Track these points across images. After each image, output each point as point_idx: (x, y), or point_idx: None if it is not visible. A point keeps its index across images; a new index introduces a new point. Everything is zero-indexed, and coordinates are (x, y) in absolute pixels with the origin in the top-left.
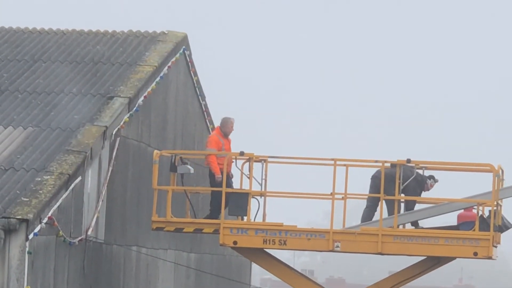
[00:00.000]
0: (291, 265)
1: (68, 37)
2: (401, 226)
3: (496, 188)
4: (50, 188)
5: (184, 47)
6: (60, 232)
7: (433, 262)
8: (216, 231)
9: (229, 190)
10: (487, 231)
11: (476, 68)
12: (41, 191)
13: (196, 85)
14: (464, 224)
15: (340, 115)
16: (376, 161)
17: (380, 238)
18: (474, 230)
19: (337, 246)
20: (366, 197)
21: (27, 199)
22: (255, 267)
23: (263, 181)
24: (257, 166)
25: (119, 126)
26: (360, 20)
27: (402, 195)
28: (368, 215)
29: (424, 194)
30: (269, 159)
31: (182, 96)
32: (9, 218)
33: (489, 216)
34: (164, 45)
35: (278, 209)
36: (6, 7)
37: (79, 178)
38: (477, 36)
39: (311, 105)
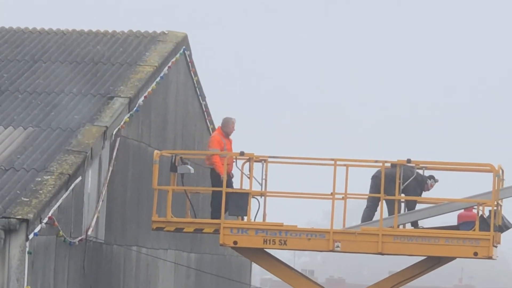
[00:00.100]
0: (291, 265)
1: (68, 37)
2: (401, 226)
3: (496, 188)
4: (50, 188)
5: (184, 47)
6: (60, 232)
7: (433, 262)
8: (216, 231)
9: (229, 190)
10: (487, 231)
11: (476, 68)
12: (41, 191)
13: (196, 85)
14: (464, 224)
15: (340, 115)
16: (376, 161)
17: (380, 238)
18: (474, 230)
19: (337, 246)
20: (366, 197)
21: (27, 199)
22: (255, 267)
23: (263, 181)
24: (257, 166)
25: (119, 126)
26: (360, 20)
27: (402, 195)
28: (368, 215)
29: (424, 194)
30: (269, 159)
31: (182, 96)
32: (9, 218)
33: (489, 216)
34: (164, 45)
35: (278, 209)
36: (6, 7)
37: (79, 178)
38: (477, 36)
39: (311, 105)
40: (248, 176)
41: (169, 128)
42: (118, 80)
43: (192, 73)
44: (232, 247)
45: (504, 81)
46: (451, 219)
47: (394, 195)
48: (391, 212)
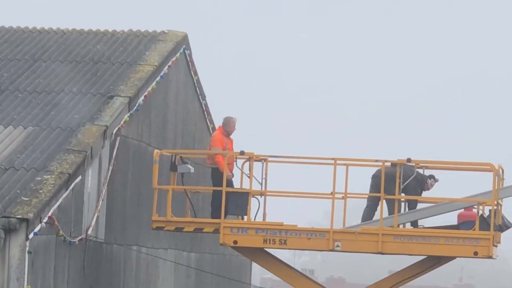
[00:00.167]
0: (291, 265)
1: (68, 36)
2: (401, 226)
3: (496, 187)
4: (50, 188)
5: (184, 46)
6: (60, 232)
7: (433, 262)
8: (217, 231)
9: (229, 189)
10: (487, 231)
11: (476, 68)
12: (41, 191)
13: (196, 84)
14: (464, 223)
15: (340, 115)
16: (376, 161)
17: (380, 238)
18: (474, 230)
19: (337, 246)
20: (366, 196)
21: (27, 199)
22: (255, 267)
23: (263, 180)
24: (257, 166)
25: (119, 126)
26: (360, 20)
27: (403, 194)
28: (368, 214)
29: (425, 194)
30: (269, 159)
31: (182, 95)
32: (9, 217)
33: (489, 216)
34: (164, 45)
35: (278, 209)
36: (6, 7)
37: (79, 178)
38: (477, 35)
39: (312, 104)
40: (248, 175)
41: (169, 127)
42: (118, 79)
43: (192, 73)
44: (232, 247)
45: (504, 81)
46: (451, 218)
47: (394, 194)
48: (391, 211)
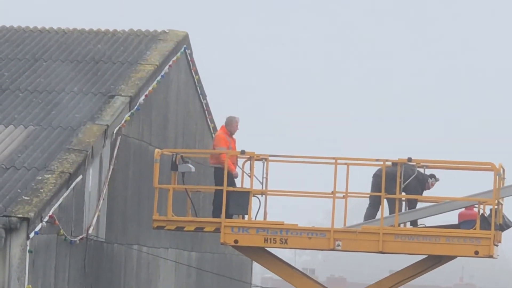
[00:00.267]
0: (292, 264)
1: (69, 36)
2: (402, 225)
3: (497, 186)
4: (51, 187)
5: (185, 46)
6: (61, 231)
7: (434, 261)
8: (217, 230)
9: (230, 188)
10: (488, 230)
11: (476, 68)
12: (42, 190)
13: (197, 84)
14: (465, 223)
15: (340, 115)
16: (377, 160)
17: (381, 237)
18: (475, 229)
19: (338, 245)
20: (367, 196)
21: (28, 198)
22: (256, 266)
23: (264, 179)
24: (258, 165)
25: (120, 125)
26: (360, 20)
27: (403, 193)
28: (371, 213)
29: (425, 193)
30: (270, 158)
31: (183, 95)
32: (10, 216)
33: (490, 215)
34: (165, 44)
35: (279, 208)
36: (7, 6)
37: (80, 177)
38: (476, 35)
39: (312, 104)
40: (249, 174)
41: (170, 127)
42: (119, 79)
43: (193, 72)
44: (233, 246)
45: (505, 80)
46: (452, 218)
47: (395, 194)
48: (392, 211)
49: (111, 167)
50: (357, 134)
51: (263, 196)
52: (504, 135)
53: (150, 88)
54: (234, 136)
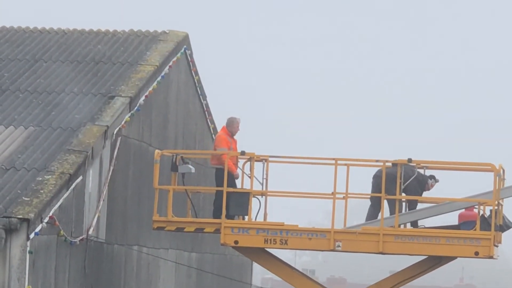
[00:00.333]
0: (292, 265)
1: (69, 36)
2: (402, 226)
3: (497, 187)
4: (51, 188)
5: (185, 46)
6: (61, 232)
7: (434, 262)
8: (217, 231)
9: (230, 189)
10: (488, 231)
11: (476, 68)
12: (42, 191)
13: (197, 84)
14: (465, 223)
15: (340, 115)
16: (377, 161)
17: (381, 238)
18: (475, 230)
19: (338, 246)
20: (367, 196)
21: (28, 199)
22: (256, 267)
23: (264, 180)
24: (258, 166)
25: (120, 126)
26: (360, 20)
27: (403, 194)
28: (373, 213)
29: (425, 194)
30: (270, 159)
31: (183, 95)
32: (10, 217)
33: (490, 216)
34: (165, 45)
35: (279, 209)
36: (7, 6)
37: (80, 178)
38: (476, 35)
39: (312, 104)
40: (249, 175)
41: (170, 127)
42: (119, 79)
43: (193, 73)
44: (233, 247)
45: (505, 80)
46: (452, 218)
47: (395, 194)
48: (392, 211)
49: (111, 168)
50: (357, 134)
51: (263, 197)
52: (504, 135)
53: (150, 89)
54: (235, 137)
